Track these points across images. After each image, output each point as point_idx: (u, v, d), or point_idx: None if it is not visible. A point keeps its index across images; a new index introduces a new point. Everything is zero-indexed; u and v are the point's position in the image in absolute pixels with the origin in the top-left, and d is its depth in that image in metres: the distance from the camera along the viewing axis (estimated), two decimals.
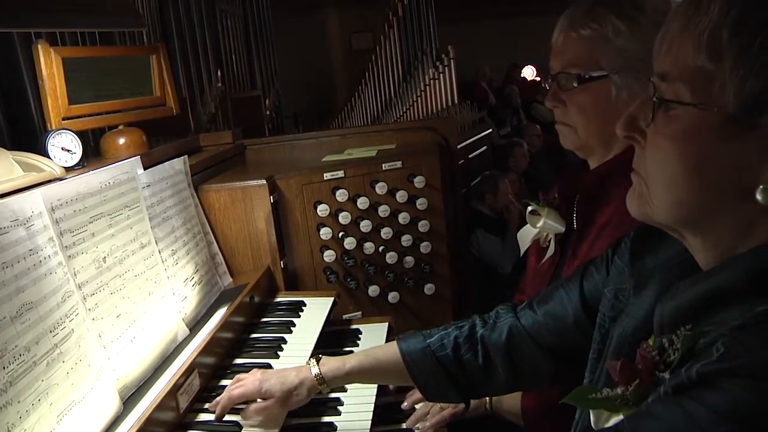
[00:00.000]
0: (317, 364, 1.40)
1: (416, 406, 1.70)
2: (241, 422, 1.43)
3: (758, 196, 0.73)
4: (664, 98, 0.79)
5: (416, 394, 1.68)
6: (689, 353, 0.75)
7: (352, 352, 1.94)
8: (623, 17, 1.39)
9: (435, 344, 1.32)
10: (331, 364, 1.40)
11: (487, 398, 1.64)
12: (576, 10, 1.46)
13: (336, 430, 1.56)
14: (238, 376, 1.48)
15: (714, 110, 0.74)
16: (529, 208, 1.63)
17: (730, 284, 0.76)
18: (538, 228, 1.61)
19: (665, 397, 0.72)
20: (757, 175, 0.73)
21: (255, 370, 1.48)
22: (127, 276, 1.57)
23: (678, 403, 0.69)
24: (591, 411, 0.90)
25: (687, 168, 0.77)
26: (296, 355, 1.76)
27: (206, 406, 1.49)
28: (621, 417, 0.83)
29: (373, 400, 1.66)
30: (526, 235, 1.67)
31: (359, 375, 1.40)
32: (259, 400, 1.42)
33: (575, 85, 1.44)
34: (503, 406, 1.62)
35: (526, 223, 1.67)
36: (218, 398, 1.44)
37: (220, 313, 1.87)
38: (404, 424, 1.66)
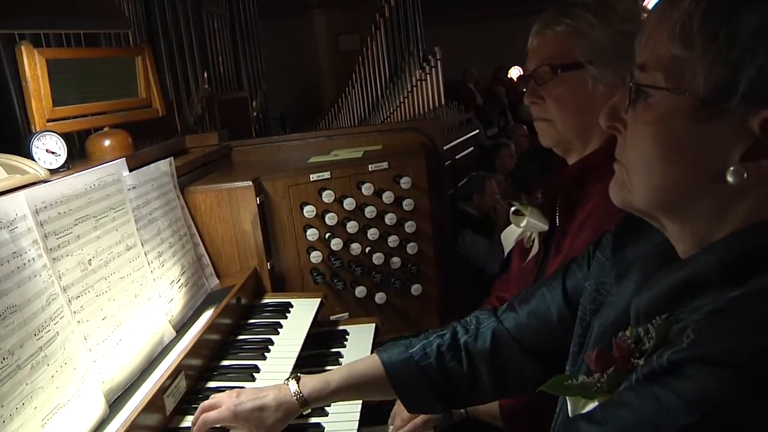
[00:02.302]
0: (297, 383, 1.33)
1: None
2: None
3: (729, 177, 0.77)
4: (639, 83, 0.84)
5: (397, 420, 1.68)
6: (663, 340, 0.77)
7: (339, 353, 1.95)
8: (595, 13, 1.45)
9: (418, 353, 1.29)
10: (312, 383, 1.33)
11: None
12: (548, 13, 1.51)
13: (323, 430, 1.56)
14: (213, 396, 1.39)
15: (686, 95, 0.78)
16: (513, 208, 1.64)
17: (704, 273, 0.79)
18: (521, 227, 1.63)
19: (636, 385, 0.74)
20: (728, 157, 0.77)
21: (230, 391, 1.38)
22: (113, 278, 1.56)
23: (649, 390, 0.71)
24: (568, 399, 0.91)
25: (663, 151, 0.81)
26: (283, 356, 1.76)
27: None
28: (596, 404, 0.85)
29: (360, 401, 1.66)
30: (509, 236, 1.69)
31: (345, 392, 1.34)
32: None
33: (552, 77, 1.48)
34: (480, 408, 1.62)
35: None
36: (194, 417, 1.37)
37: (206, 315, 1.87)
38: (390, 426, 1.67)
